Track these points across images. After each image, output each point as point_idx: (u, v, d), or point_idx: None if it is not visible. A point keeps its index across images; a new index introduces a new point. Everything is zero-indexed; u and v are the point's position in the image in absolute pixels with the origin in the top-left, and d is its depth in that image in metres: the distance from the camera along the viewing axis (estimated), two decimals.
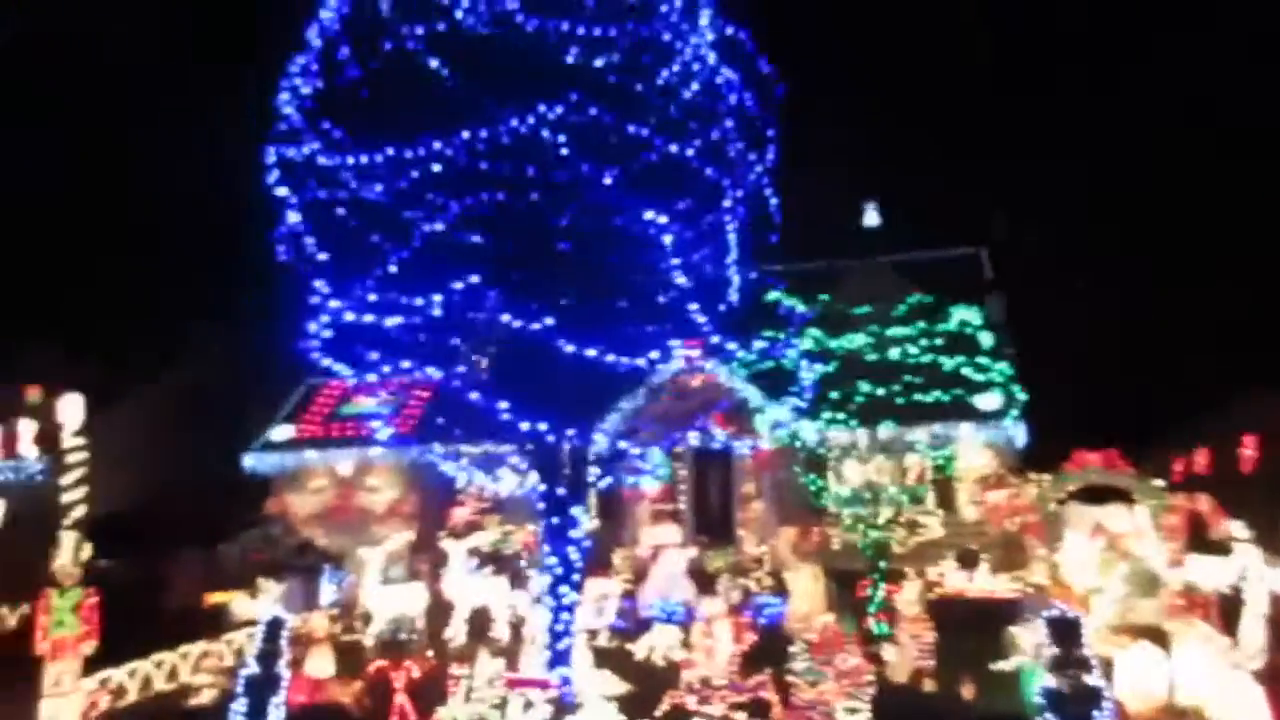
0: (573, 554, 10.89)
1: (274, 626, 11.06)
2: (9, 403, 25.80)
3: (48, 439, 14.56)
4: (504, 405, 10.51)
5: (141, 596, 15.85)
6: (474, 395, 10.57)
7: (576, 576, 10.92)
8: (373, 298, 10.35)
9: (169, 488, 24.90)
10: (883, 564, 16.11)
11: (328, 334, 10.75)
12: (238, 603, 16.25)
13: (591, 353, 10.08)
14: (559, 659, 10.43)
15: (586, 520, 11.11)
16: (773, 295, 12.81)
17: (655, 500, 22.37)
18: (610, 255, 10.17)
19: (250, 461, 25.90)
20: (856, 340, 15.14)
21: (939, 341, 14.59)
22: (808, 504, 21.63)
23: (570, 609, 10.73)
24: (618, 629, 17.34)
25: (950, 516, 21.39)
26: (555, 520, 10.86)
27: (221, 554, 20.83)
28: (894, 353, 14.41)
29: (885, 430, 16.11)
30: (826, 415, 13.91)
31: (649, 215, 9.73)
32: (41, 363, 29.42)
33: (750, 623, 16.17)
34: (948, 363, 14.81)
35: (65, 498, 14.09)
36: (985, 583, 18.61)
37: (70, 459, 14.18)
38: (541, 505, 11.14)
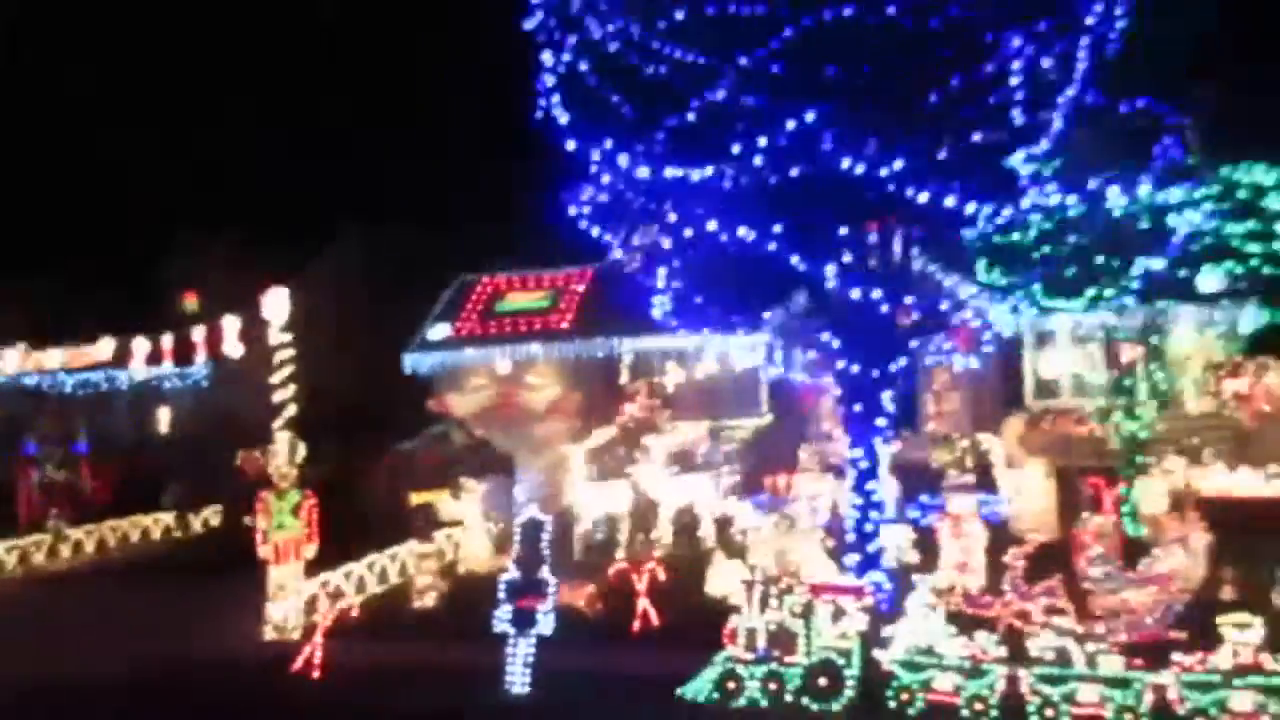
0: (879, 445, 9.70)
1: (533, 529, 10.26)
2: (168, 310, 25.69)
3: (253, 336, 13.91)
4: (831, 271, 9.09)
5: (338, 498, 15.22)
6: (795, 259, 9.18)
7: (882, 471, 9.77)
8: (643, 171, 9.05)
9: (336, 389, 24.54)
10: (1139, 459, 14.65)
11: (603, 198, 9.51)
12: (442, 504, 15.67)
13: (950, 201, 8.57)
14: (870, 563, 9.38)
15: (892, 407, 9.85)
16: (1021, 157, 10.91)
17: None
18: (961, 87, 8.55)
19: (410, 361, 25.41)
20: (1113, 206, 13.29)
21: (1227, 206, 12.75)
22: (1019, 395, 20.13)
23: (880, 506, 9.62)
24: (828, 529, 16.35)
25: (1167, 409, 19.71)
26: (859, 407, 9.61)
27: (401, 455, 20.46)
28: (1171, 220, 12.66)
29: (1143, 312, 14.40)
30: (1091, 293, 12.29)
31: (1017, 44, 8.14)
32: (186, 267, 29.32)
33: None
34: (1234, 231, 13.01)
35: (277, 396, 13.42)
36: (1223, 480, 17.05)
37: (279, 356, 13.45)
38: (840, 391, 9.87)
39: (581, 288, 26.07)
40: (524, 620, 9.88)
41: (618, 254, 10.08)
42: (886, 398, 9.74)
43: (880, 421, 9.67)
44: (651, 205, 9.50)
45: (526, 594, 9.94)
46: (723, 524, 16.46)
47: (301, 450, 13.44)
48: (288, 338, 13.66)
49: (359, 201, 31.51)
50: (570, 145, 9.75)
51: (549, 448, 24.21)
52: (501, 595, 10.07)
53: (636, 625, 11.93)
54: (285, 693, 10.17)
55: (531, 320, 25.46)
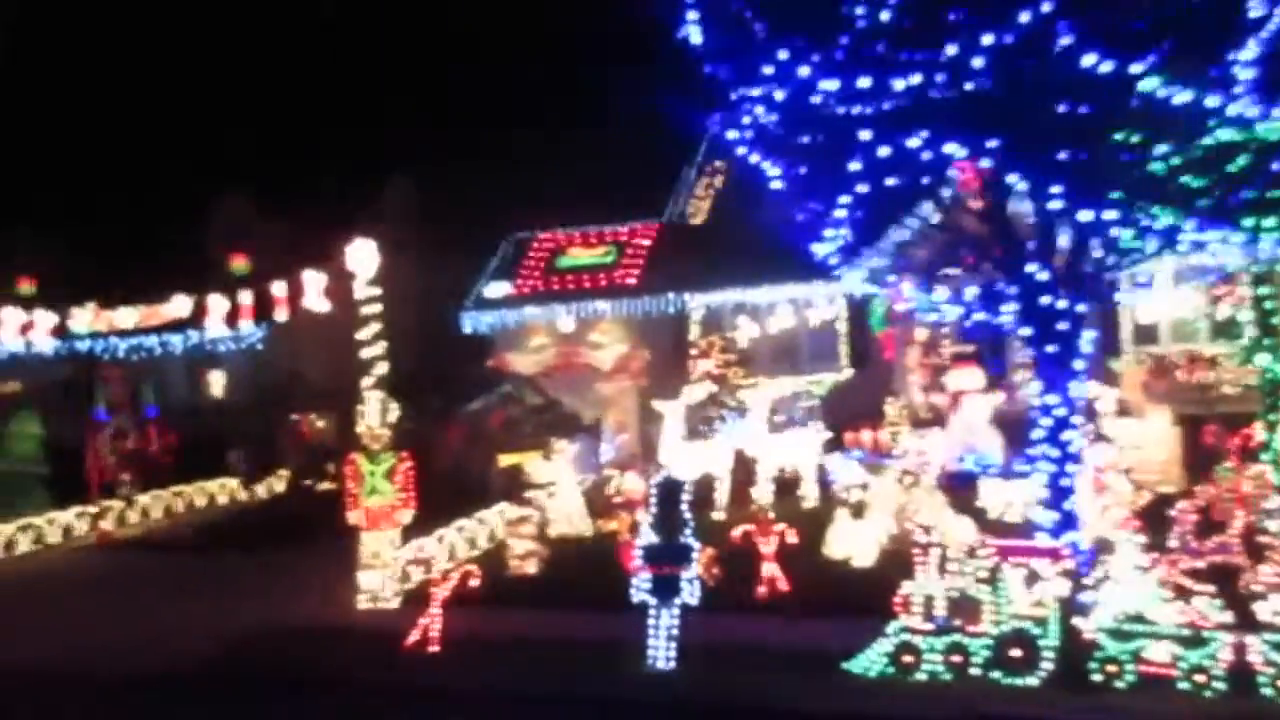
0: (1075, 390, 8.72)
1: (670, 490, 9.40)
2: (214, 273, 24.89)
3: (339, 291, 13.07)
4: (1056, 190, 7.91)
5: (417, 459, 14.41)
6: (1013, 178, 8.05)
7: (1079, 420, 8.82)
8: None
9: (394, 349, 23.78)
10: None
11: (771, 118, 8.40)
12: (532, 465, 14.86)
13: (1212, 102, 7.26)
14: (1066, 523, 8.47)
15: (1090, 348, 8.83)
16: None
17: (932, 343, 20.24)
18: None
19: (468, 320, 24.62)
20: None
21: None
22: (1115, 341, 19.06)
23: (1078, 459, 8.70)
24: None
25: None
26: (1053, 349, 8.60)
27: (472, 416, 19.69)
28: None
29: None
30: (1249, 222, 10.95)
31: None
32: (235, 220, 28.49)
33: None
34: None
35: (366, 353, 12.62)
36: None
37: (366, 310, 12.62)
38: (1027, 332, 8.84)
39: (647, 242, 25.18)
40: (666, 588, 9.06)
41: (776, 185, 8.93)
42: (1087, 338, 8.76)
43: (1078, 364, 8.69)
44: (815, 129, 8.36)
45: (667, 560, 9.12)
46: (824, 482, 15.64)
47: (395, 411, 12.66)
48: (375, 291, 12.81)
49: (404, 156, 30.57)
50: (709, 69, 8.72)
51: (616, 406, 23.48)
52: (638, 562, 9.24)
53: (763, 591, 11.11)
54: (408, 669, 9.41)
55: (595, 276, 24.62)
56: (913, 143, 7.85)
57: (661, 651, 8.98)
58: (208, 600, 12.69)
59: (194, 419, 23.70)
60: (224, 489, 19.99)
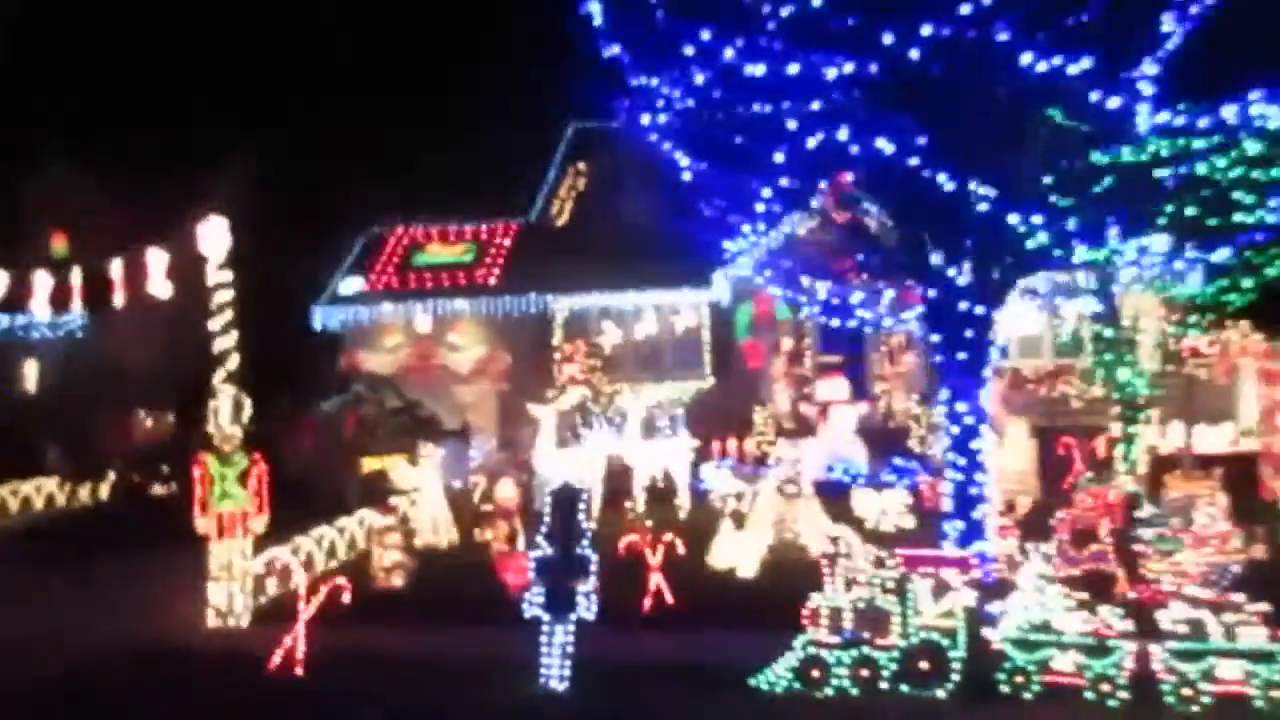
0: (983, 399, 8.65)
1: (566, 498, 8.84)
2: (27, 252, 22.70)
3: (188, 274, 11.91)
4: (990, 192, 7.69)
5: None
6: (941, 179, 7.79)
7: (986, 429, 8.77)
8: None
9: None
10: (1143, 416, 14.22)
11: (689, 103, 7.96)
12: (398, 471, 14.00)
13: (1143, 110, 7.14)
14: (974, 532, 8.39)
15: (996, 355, 8.76)
16: None
17: (797, 353, 20.42)
18: None
19: (320, 315, 23.34)
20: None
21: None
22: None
23: (984, 469, 8.63)
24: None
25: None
26: (964, 356, 8.49)
27: (324, 416, 18.54)
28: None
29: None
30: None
31: None
32: (56, 202, 26.10)
33: None
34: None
35: (218, 344, 11.52)
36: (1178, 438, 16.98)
37: (219, 298, 11.54)
38: (936, 338, 8.71)
39: (508, 242, 24.52)
40: (561, 603, 8.52)
41: (686, 176, 8.52)
42: (995, 345, 8.71)
43: (986, 372, 8.65)
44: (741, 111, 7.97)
45: (563, 573, 8.58)
46: (697, 491, 15.46)
47: (248, 408, 11.63)
48: (228, 276, 11.75)
49: (254, 139, 28.84)
50: (612, 49, 8.27)
51: (474, 411, 22.70)
52: (533, 575, 8.67)
53: (648, 604, 10.72)
54: (274, 696, 8.50)
55: (454, 275, 23.80)
56: (841, 134, 7.60)
57: (555, 670, 8.43)
58: (34, 616, 11.32)
59: (5, 412, 21.56)
60: (40, 491, 18.10)
